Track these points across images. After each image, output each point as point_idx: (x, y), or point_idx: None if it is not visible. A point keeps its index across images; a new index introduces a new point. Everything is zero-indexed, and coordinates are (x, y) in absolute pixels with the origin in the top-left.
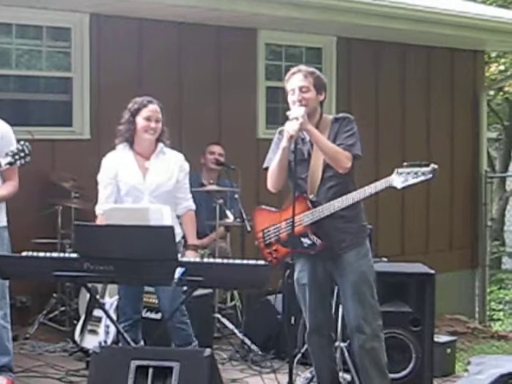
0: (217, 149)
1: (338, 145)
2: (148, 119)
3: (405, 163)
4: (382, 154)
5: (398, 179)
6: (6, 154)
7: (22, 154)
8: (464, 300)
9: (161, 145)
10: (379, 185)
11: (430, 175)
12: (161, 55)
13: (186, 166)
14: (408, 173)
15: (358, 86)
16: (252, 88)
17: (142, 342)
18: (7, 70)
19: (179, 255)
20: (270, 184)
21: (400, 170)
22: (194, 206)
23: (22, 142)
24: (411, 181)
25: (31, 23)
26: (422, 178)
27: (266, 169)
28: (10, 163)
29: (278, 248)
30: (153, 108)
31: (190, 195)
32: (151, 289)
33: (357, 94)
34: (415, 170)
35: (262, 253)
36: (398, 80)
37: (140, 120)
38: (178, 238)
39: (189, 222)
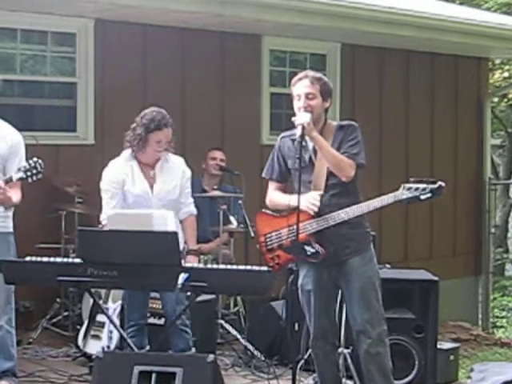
0: (218, 154)
1: (343, 153)
2: (159, 142)
3: (411, 179)
4: (385, 160)
5: (406, 195)
6: (19, 170)
7: (35, 171)
8: (467, 307)
9: (164, 154)
10: (386, 199)
11: (438, 192)
12: (165, 61)
13: (188, 170)
14: (416, 189)
15: (362, 93)
16: (256, 94)
17: (147, 348)
18: (12, 74)
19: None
20: (271, 206)
21: (407, 186)
22: (195, 211)
23: (35, 159)
24: (421, 197)
25: (36, 28)
26: (430, 195)
27: (265, 178)
28: (22, 179)
29: (281, 254)
30: (166, 133)
31: (191, 200)
32: (155, 294)
33: (361, 101)
34: (422, 186)
35: (263, 257)
36: (401, 86)
37: (152, 139)
38: (181, 245)
39: (189, 226)
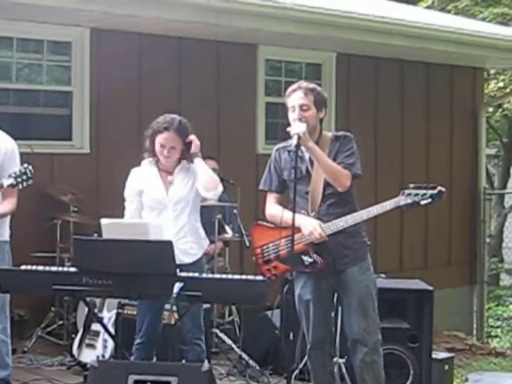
0: (211, 164)
1: (338, 163)
2: (161, 146)
3: (411, 185)
4: (380, 169)
5: (406, 201)
6: (9, 176)
7: (25, 177)
8: (462, 316)
9: (184, 162)
10: (386, 205)
11: (438, 198)
12: (160, 70)
13: None
14: (415, 194)
15: (358, 102)
16: (251, 103)
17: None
18: (7, 83)
19: None
20: (270, 219)
21: (407, 192)
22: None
23: (25, 165)
24: (421, 203)
25: (32, 37)
26: (430, 200)
27: (263, 190)
28: (12, 185)
29: (278, 265)
30: (166, 136)
31: None
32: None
33: (356, 110)
34: (422, 191)
35: (259, 269)
36: (397, 96)
37: (156, 143)
38: (201, 251)
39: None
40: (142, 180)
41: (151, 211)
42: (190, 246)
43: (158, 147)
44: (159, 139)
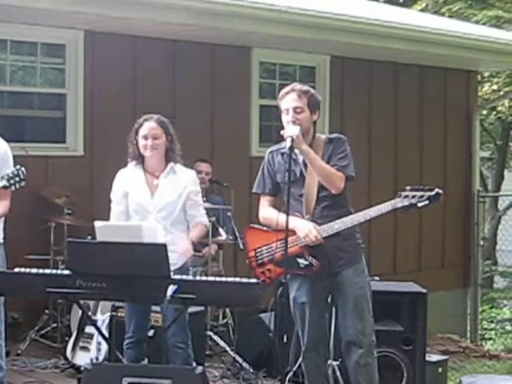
0: (203, 167)
1: (332, 166)
2: (145, 137)
3: (408, 187)
4: (374, 171)
5: (403, 203)
6: (2, 178)
7: (17, 179)
8: (456, 319)
9: (171, 164)
10: (383, 207)
11: (435, 199)
12: (155, 72)
13: (198, 183)
14: (413, 196)
15: (352, 105)
16: (245, 106)
17: (146, 361)
18: (1, 86)
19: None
20: (263, 222)
21: (404, 194)
22: (207, 222)
23: (17, 167)
24: (419, 204)
25: (26, 39)
26: (427, 202)
27: (256, 193)
28: (5, 187)
29: (272, 268)
30: (148, 126)
31: (203, 211)
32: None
33: (350, 113)
34: (419, 193)
35: (253, 272)
36: (391, 99)
37: (139, 139)
38: (182, 260)
39: (194, 228)
40: (128, 182)
41: (135, 215)
42: (168, 254)
43: (141, 142)
44: (141, 131)
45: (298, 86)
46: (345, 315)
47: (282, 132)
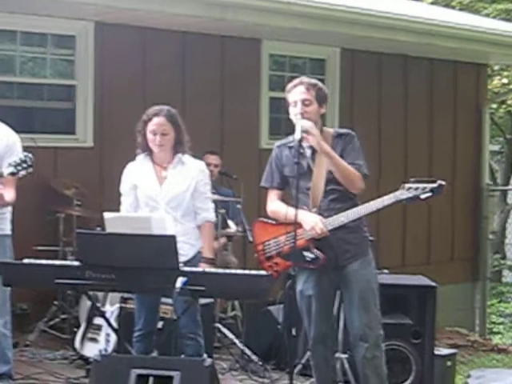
0: (212, 159)
1: (349, 164)
2: (153, 133)
3: (411, 179)
4: (384, 165)
5: (406, 194)
6: (9, 164)
7: (25, 165)
8: (464, 313)
9: (179, 155)
10: (387, 199)
11: (438, 191)
12: (164, 64)
13: (206, 174)
14: (416, 188)
15: (361, 97)
16: (255, 98)
17: (155, 353)
18: (11, 77)
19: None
20: (271, 215)
21: (407, 186)
22: (213, 218)
23: (25, 153)
24: (422, 196)
25: (36, 30)
26: (430, 193)
27: (264, 187)
28: (13, 173)
29: (279, 261)
30: (157, 121)
31: (210, 205)
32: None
33: (360, 105)
34: (422, 185)
35: (261, 265)
36: (400, 92)
37: (147, 133)
38: (193, 251)
39: (205, 233)
40: (137, 175)
41: (145, 206)
42: (180, 245)
43: (150, 136)
44: (150, 126)
45: (305, 79)
46: (351, 308)
47: (296, 123)
